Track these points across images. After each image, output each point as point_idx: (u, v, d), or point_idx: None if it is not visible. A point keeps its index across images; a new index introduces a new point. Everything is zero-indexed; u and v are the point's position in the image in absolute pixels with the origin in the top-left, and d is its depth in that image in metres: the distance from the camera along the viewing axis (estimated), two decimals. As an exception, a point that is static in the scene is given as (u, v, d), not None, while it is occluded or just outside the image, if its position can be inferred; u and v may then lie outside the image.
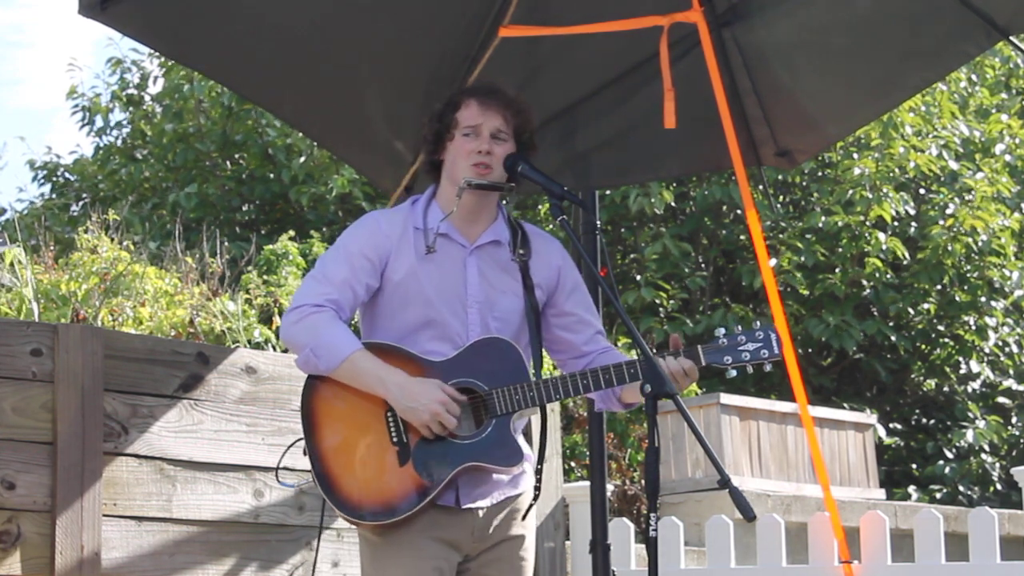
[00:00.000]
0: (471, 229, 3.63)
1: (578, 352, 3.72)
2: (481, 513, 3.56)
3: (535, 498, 3.62)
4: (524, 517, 3.64)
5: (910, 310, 13.25)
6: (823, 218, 12.71)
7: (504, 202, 3.77)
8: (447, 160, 3.64)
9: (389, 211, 3.74)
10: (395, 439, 3.45)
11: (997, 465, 13.22)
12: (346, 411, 3.49)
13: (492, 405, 3.47)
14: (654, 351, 3.46)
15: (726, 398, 10.03)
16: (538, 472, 3.60)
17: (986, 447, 13.07)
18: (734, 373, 3.54)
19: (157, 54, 13.69)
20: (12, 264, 7.01)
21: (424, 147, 3.72)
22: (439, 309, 3.55)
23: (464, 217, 3.62)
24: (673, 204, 13.26)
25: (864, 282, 12.90)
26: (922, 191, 13.61)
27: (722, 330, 3.55)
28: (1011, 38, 4.57)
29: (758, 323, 3.57)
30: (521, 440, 3.58)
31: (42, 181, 15.46)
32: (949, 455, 13.22)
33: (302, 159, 13.41)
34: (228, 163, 14.31)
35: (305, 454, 3.50)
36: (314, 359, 3.46)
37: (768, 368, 3.55)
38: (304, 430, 3.51)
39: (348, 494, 3.45)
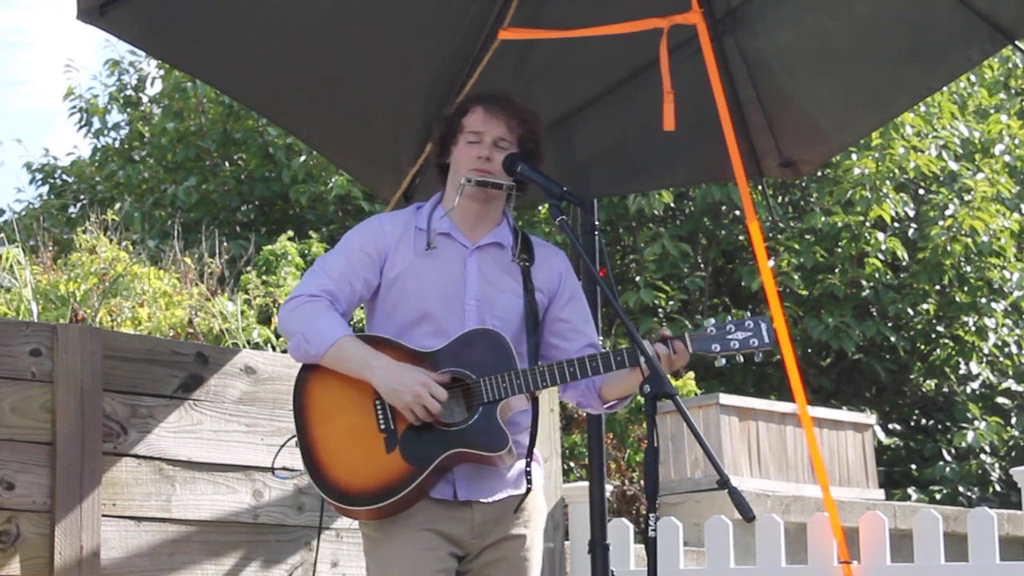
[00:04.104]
0: (474, 231, 3.71)
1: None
2: (480, 508, 3.59)
3: (527, 491, 3.65)
4: (516, 510, 3.65)
5: (909, 311, 13.24)
6: (823, 218, 12.70)
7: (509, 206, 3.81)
8: (452, 164, 3.73)
9: (392, 213, 3.86)
10: (383, 426, 3.52)
11: (997, 466, 13.21)
12: (335, 401, 3.57)
13: (479, 393, 3.52)
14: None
15: (725, 398, 10.02)
16: (527, 460, 3.63)
17: (986, 448, 13.06)
18: (723, 362, 3.62)
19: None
20: (11, 265, 7.01)
21: (433, 149, 3.87)
22: (435, 304, 3.62)
23: (468, 219, 3.70)
24: (672, 205, 13.25)
25: (864, 282, 12.89)
26: (922, 191, 13.60)
27: (712, 320, 3.61)
28: (1016, 42, 4.55)
29: (749, 315, 3.64)
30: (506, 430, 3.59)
31: (40, 183, 15.46)
32: (948, 456, 13.21)
33: (302, 158, 13.40)
34: (227, 163, 14.30)
35: (298, 446, 3.57)
36: (304, 344, 3.55)
37: (759, 358, 3.59)
38: (295, 422, 3.58)
39: (337, 481, 3.51)
